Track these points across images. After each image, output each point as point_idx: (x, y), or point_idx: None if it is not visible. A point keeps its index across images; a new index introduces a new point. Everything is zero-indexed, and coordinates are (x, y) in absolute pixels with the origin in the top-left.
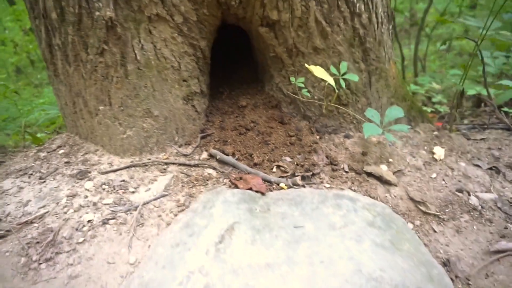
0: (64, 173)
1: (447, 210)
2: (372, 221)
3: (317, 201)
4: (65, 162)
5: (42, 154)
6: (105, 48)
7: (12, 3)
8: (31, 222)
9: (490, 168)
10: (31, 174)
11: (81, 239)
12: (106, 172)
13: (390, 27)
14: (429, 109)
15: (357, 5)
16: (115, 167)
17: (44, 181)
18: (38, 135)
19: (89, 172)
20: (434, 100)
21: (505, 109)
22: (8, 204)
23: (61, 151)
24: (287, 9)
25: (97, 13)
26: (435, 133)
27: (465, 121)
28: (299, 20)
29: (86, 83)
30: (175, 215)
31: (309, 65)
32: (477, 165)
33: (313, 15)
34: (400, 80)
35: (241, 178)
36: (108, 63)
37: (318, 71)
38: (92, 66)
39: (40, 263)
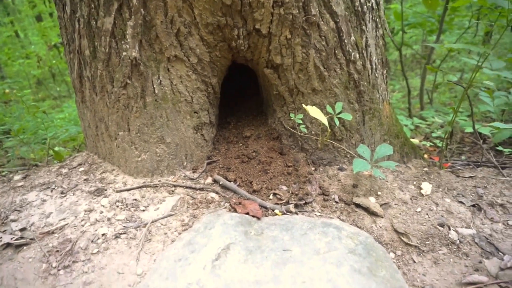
0: (83, 189)
1: (427, 242)
2: (353, 249)
3: (306, 227)
4: (84, 179)
5: (64, 171)
6: (128, 82)
7: (40, 19)
8: (52, 233)
9: (473, 205)
10: (54, 188)
11: (95, 250)
12: (121, 191)
13: (385, 72)
14: (428, 144)
15: (352, 53)
16: (128, 187)
17: (65, 196)
18: (56, 148)
19: (105, 190)
20: (434, 135)
21: (500, 148)
22: (32, 215)
23: (81, 169)
24: (290, 55)
25: (124, 53)
26: (425, 169)
27: (463, 157)
28: (300, 65)
29: (109, 111)
30: (179, 233)
31: (308, 103)
32: (461, 202)
33: (312, 61)
34: (394, 118)
35: (240, 203)
36: (130, 95)
37: (314, 111)
38: (115, 97)
39: (59, 270)
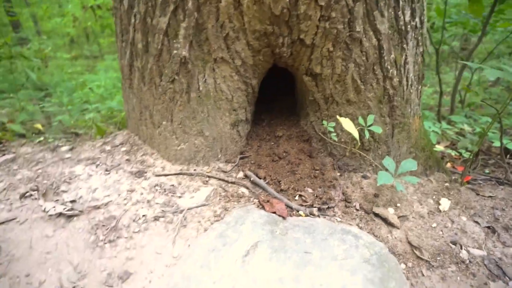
0: (125, 169)
1: (438, 258)
2: (368, 258)
3: (327, 233)
4: (126, 160)
5: (107, 148)
6: (176, 78)
7: None
8: (98, 207)
9: (488, 227)
10: (98, 164)
11: (136, 229)
12: (159, 175)
13: (420, 87)
14: (453, 152)
15: (390, 70)
16: (166, 172)
17: (109, 173)
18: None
19: (145, 172)
20: (459, 145)
21: None
22: (80, 188)
23: (123, 149)
24: (329, 66)
25: (174, 51)
26: (446, 184)
27: (486, 170)
28: (338, 76)
29: (155, 101)
30: (212, 223)
31: (341, 112)
32: (477, 222)
33: (351, 74)
34: (423, 132)
35: (268, 201)
36: (176, 90)
37: (346, 124)
38: (163, 89)
39: (105, 243)
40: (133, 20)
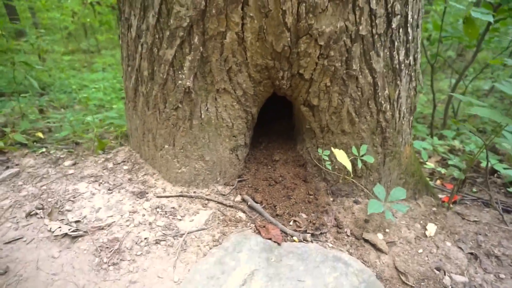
0: (127, 189)
1: (422, 283)
2: (357, 287)
3: (319, 260)
4: (128, 179)
5: (109, 165)
6: (179, 106)
7: None
8: (102, 228)
9: (471, 253)
10: (101, 183)
11: (139, 252)
12: (160, 197)
13: (411, 118)
14: (443, 170)
15: (384, 105)
16: (167, 194)
17: (112, 192)
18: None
19: (147, 193)
20: (450, 162)
21: (511, 189)
22: (84, 208)
23: (125, 167)
24: (326, 99)
25: (179, 81)
26: (434, 209)
27: (474, 189)
28: (334, 109)
29: (158, 125)
30: (210, 248)
31: (336, 141)
32: (460, 248)
33: (346, 108)
34: (413, 158)
35: (264, 226)
36: (179, 117)
37: (340, 156)
38: (166, 116)
39: (109, 265)
40: (140, 49)
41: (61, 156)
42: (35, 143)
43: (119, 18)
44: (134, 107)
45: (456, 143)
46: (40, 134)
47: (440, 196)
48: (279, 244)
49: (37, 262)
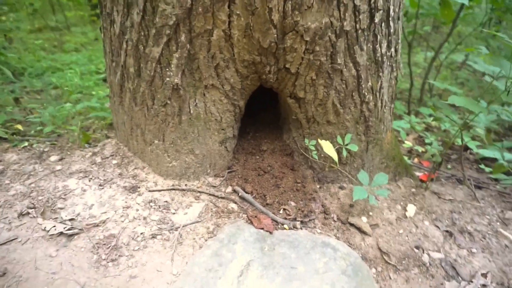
0: (118, 183)
1: (403, 262)
2: (345, 270)
3: (309, 246)
4: (119, 174)
5: (98, 160)
6: (168, 102)
7: None
8: (97, 225)
9: (446, 231)
10: (91, 178)
11: (136, 247)
12: (153, 191)
13: (392, 106)
14: (420, 149)
15: (367, 96)
16: (159, 187)
17: (103, 188)
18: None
19: (139, 187)
20: (426, 141)
21: (482, 166)
22: (76, 205)
23: (114, 161)
24: (312, 92)
25: (167, 78)
26: (413, 190)
27: (449, 166)
28: (320, 101)
29: (146, 121)
30: (206, 240)
31: (321, 131)
32: (437, 226)
33: (331, 99)
34: (394, 143)
35: (255, 216)
36: (168, 113)
37: (327, 147)
38: (155, 112)
39: (108, 262)
40: (124, 46)
41: (45, 149)
42: (14, 135)
43: (100, 12)
44: (121, 102)
45: (432, 121)
46: (19, 126)
47: (417, 174)
48: (271, 233)
49: (35, 262)
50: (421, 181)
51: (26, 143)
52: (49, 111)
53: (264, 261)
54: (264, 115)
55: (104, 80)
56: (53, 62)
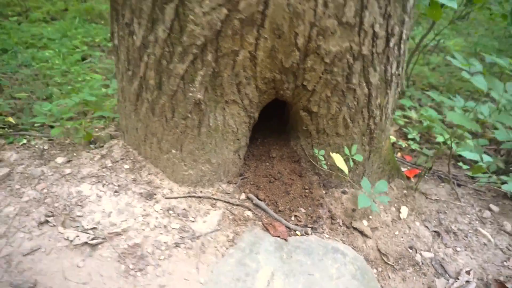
0: (134, 190)
1: (400, 262)
2: (354, 274)
3: (321, 252)
4: (132, 180)
5: (108, 163)
6: (188, 116)
7: None
8: (119, 234)
9: (434, 231)
10: (105, 184)
11: (162, 257)
12: (169, 198)
13: (392, 116)
14: (403, 144)
15: (375, 112)
16: (175, 195)
17: (119, 194)
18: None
19: (155, 194)
20: (409, 136)
21: (460, 163)
22: (94, 212)
23: (125, 166)
24: (325, 108)
25: (190, 94)
26: (404, 191)
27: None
28: (332, 115)
29: (164, 132)
30: (227, 248)
31: (330, 142)
32: (427, 226)
33: (343, 115)
34: (390, 148)
35: (270, 224)
36: (188, 125)
37: (338, 160)
38: (175, 124)
39: (136, 271)
40: (146, 59)
41: (45, 147)
42: (7, 129)
43: (114, 17)
44: (135, 110)
45: (413, 114)
46: (11, 119)
47: (402, 169)
48: (286, 240)
49: (63, 273)
50: (407, 178)
51: (24, 140)
52: (46, 107)
53: (285, 269)
54: (271, 122)
55: (83, 59)
56: (20, 34)
